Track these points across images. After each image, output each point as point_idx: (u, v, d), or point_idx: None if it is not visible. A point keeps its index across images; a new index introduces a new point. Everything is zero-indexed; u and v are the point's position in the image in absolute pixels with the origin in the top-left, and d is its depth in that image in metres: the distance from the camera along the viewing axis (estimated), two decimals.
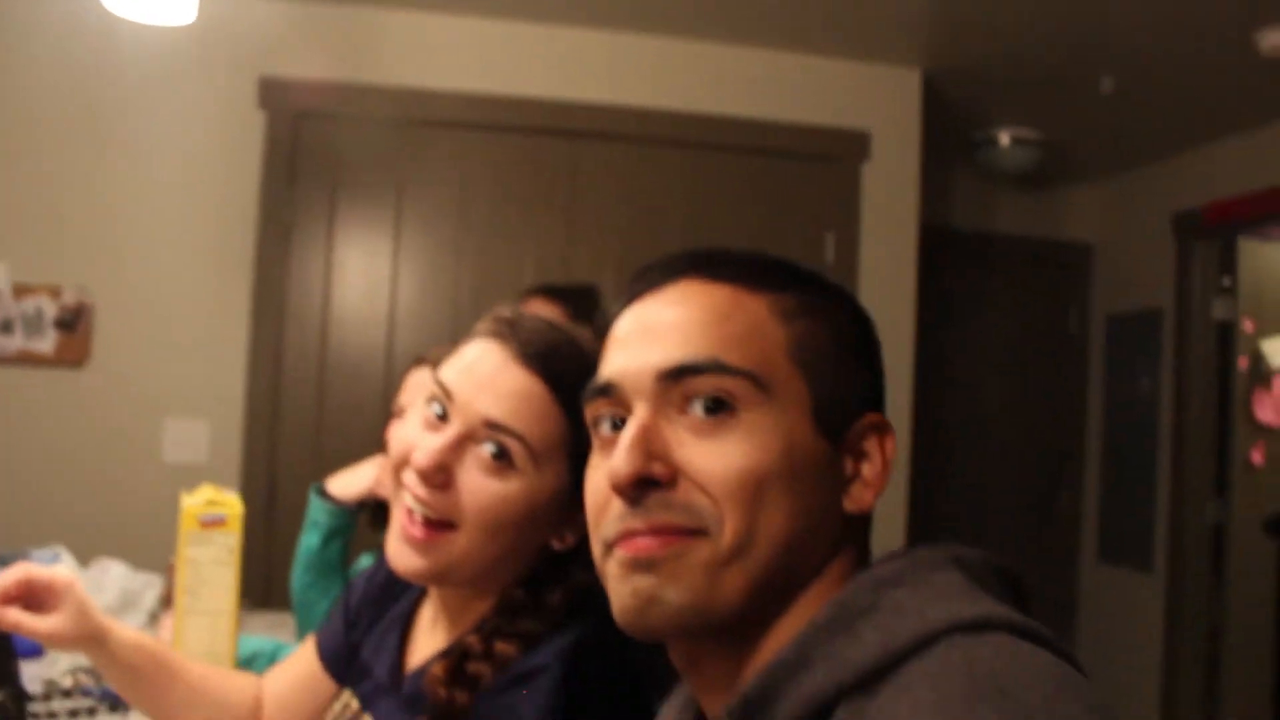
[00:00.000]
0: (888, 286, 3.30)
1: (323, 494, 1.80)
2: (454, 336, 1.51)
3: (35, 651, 1.83)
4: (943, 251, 3.97)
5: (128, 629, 1.18)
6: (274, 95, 3.01)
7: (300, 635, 1.86)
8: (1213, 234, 3.90)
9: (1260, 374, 3.97)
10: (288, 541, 2.00)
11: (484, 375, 0.98)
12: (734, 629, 0.68)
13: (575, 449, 0.96)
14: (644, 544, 0.67)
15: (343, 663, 1.19)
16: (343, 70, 3.05)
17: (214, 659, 1.40)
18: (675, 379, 0.68)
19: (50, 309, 2.89)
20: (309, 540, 1.79)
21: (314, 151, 3.07)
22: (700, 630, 0.68)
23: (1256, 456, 3.95)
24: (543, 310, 2.12)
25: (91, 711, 1.57)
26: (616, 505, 0.69)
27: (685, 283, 0.73)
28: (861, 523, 0.72)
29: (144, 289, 2.94)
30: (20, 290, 2.89)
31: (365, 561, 1.88)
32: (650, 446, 0.68)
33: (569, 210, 3.21)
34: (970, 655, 0.56)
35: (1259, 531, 3.86)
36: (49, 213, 2.90)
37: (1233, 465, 3.93)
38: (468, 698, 0.95)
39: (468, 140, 3.16)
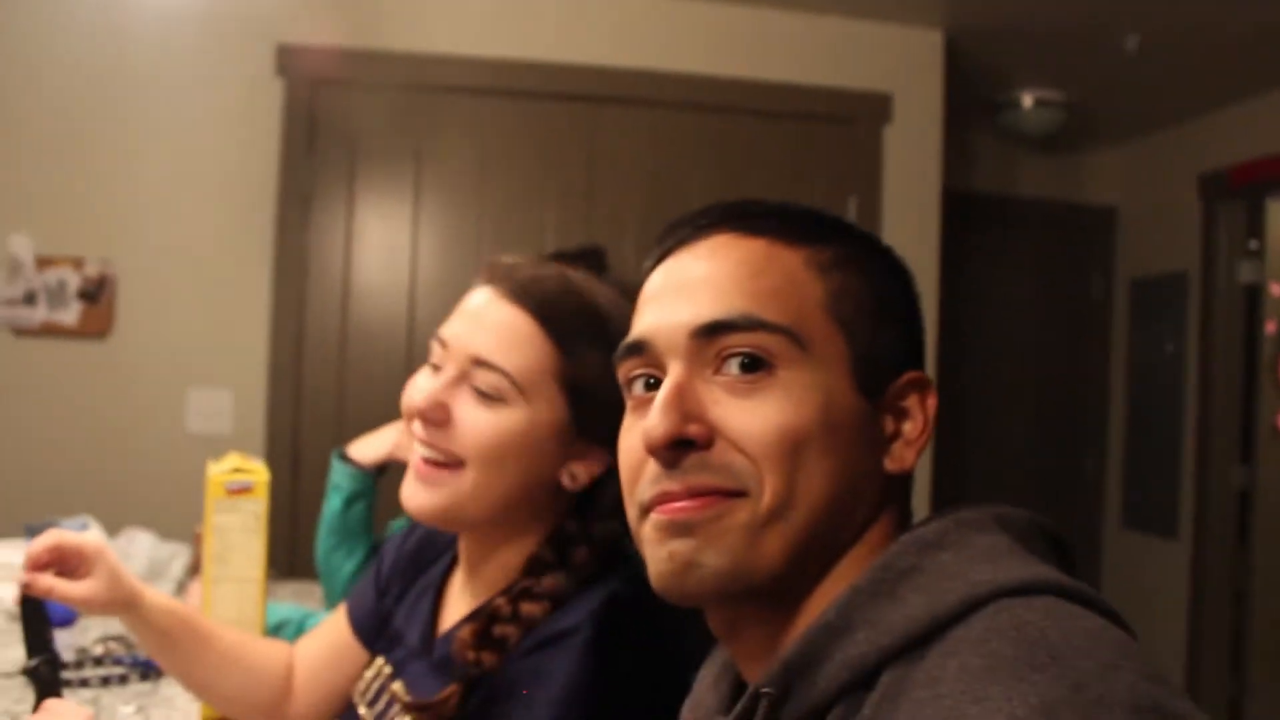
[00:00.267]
0: (910, 251, 3.18)
1: (344, 458, 1.81)
2: None
3: (67, 619, 1.85)
4: (965, 215, 3.93)
5: (160, 594, 1.18)
6: (291, 62, 2.99)
7: (327, 599, 1.87)
8: (1239, 196, 3.84)
9: None
10: (312, 512, 2.01)
11: (472, 314, 1.02)
12: (774, 593, 0.66)
13: (569, 381, 1.00)
14: (681, 507, 0.65)
15: (374, 631, 1.19)
16: (360, 36, 3.03)
17: (243, 626, 1.40)
18: (710, 336, 0.66)
19: (73, 280, 2.89)
20: (331, 504, 1.81)
21: (332, 119, 3.05)
22: (740, 595, 0.66)
23: None
24: None
25: (123, 679, 1.59)
26: (652, 467, 0.67)
27: (718, 236, 0.71)
28: (902, 483, 0.71)
29: (166, 260, 2.95)
30: (43, 262, 2.89)
31: (398, 526, 1.88)
32: (685, 406, 0.66)
33: (589, 176, 3.19)
34: (1019, 619, 0.54)
35: None
36: (71, 185, 2.90)
37: (1258, 431, 3.88)
38: (496, 660, 0.95)
39: (486, 106, 3.14)
